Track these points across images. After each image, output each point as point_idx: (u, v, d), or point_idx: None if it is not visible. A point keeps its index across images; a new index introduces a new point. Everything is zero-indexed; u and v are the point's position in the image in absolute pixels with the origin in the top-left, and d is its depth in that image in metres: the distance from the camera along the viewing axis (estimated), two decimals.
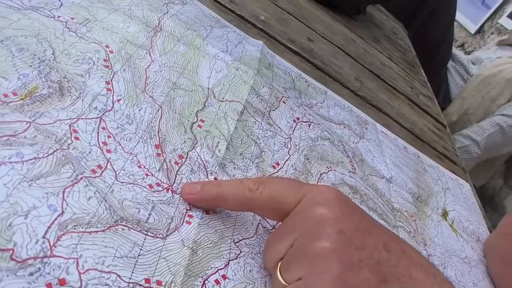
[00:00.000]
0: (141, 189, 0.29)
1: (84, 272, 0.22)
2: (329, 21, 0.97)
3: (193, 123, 0.36)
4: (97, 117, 0.31)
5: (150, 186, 0.29)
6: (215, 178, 0.33)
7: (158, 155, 0.32)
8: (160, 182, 0.30)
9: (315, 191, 0.28)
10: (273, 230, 0.33)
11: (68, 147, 0.27)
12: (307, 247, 0.26)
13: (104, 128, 0.30)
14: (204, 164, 0.34)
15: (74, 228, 0.24)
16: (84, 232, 0.24)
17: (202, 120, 0.37)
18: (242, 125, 0.40)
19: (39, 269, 0.21)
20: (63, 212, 0.24)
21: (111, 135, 0.30)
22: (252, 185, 0.29)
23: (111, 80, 0.34)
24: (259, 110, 0.44)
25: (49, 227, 0.23)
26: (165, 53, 0.41)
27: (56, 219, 0.23)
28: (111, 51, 0.36)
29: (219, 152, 0.36)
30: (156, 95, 0.36)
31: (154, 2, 0.47)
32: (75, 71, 0.32)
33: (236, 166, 0.36)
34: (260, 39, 0.58)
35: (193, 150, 0.34)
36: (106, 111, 0.31)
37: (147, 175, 0.30)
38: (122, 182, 0.28)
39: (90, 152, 0.28)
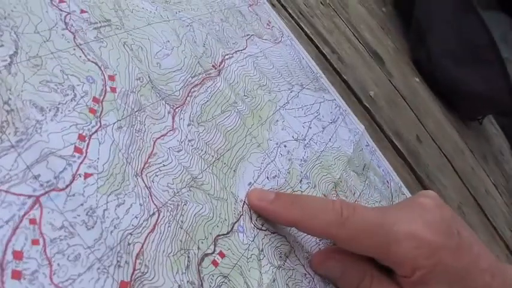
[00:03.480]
0: None
1: None
2: (441, 119, 0.79)
3: (206, 255, 0.20)
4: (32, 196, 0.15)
5: None
6: None
7: None
8: None
9: None
10: None
11: None
12: None
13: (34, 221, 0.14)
14: None
15: None
16: None
17: (221, 254, 0.20)
18: (285, 274, 0.23)
19: None
20: None
21: None
22: None
23: (89, 137, 0.18)
24: None
25: None
26: (200, 122, 0.24)
27: None
28: (113, 89, 0.20)
29: None
30: (156, 188, 0.20)
31: (230, 28, 0.32)
32: (33, 97, 0.17)
33: None
34: (363, 122, 0.41)
35: None
36: (55, 190, 0.16)
37: None
38: None
39: None
